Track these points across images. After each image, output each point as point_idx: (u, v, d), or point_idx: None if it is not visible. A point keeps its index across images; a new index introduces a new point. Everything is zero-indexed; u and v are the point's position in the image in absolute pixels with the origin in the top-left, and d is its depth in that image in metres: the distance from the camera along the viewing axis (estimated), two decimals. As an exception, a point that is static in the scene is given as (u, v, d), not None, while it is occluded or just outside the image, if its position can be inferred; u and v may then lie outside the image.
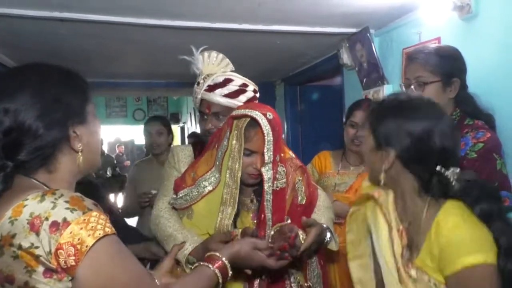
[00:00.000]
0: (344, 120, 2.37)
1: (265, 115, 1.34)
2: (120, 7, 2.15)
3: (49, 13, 2.17)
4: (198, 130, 6.76)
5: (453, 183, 1.04)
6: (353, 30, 2.69)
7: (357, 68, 2.87)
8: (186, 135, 8.37)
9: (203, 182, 1.43)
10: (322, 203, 1.53)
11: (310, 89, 4.36)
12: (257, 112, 1.35)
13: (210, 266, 1.09)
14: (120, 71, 3.89)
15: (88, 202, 0.82)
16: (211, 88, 1.55)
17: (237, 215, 1.42)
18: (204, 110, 1.58)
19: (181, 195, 1.45)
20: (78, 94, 0.93)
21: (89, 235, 0.78)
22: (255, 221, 1.43)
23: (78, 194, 0.84)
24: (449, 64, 1.53)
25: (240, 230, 1.37)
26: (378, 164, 1.10)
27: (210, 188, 1.43)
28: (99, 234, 0.79)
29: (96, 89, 4.49)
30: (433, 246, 1.03)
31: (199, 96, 1.58)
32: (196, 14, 2.29)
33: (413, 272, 1.06)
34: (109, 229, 0.81)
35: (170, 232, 1.45)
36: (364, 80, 2.80)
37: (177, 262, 1.38)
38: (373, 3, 2.19)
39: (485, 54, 1.84)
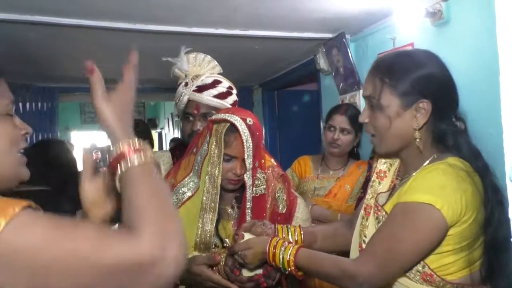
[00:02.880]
0: (322, 124, 2.38)
1: (244, 120, 1.33)
2: (93, 11, 2.11)
3: (19, 16, 2.11)
4: (177, 135, 6.68)
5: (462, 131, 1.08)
6: (329, 35, 2.72)
7: (333, 73, 2.90)
8: (163, 140, 8.26)
9: (182, 189, 1.40)
10: (300, 215, 1.50)
11: (288, 94, 4.39)
12: (236, 118, 1.33)
13: None
14: (94, 76, 3.81)
15: None
16: (200, 89, 1.54)
17: (218, 222, 1.39)
18: (192, 111, 1.56)
19: None
20: None
21: None
22: (235, 228, 1.40)
23: None
24: None
25: (223, 252, 1.32)
26: (408, 124, 1.05)
27: (189, 194, 1.39)
28: (4, 221, 0.59)
29: (70, 94, 4.39)
30: (403, 188, 1.04)
31: (186, 97, 1.55)
32: (171, 18, 2.26)
33: (381, 214, 1.11)
34: (17, 206, 0.61)
35: None
36: (341, 85, 2.82)
37: None
38: (349, 9, 2.22)
39: (457, 59, 1.88)
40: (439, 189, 0.96)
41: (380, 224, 1.10)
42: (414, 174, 1.06)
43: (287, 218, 1.46)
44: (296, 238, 1.31)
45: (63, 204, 1.94)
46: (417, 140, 1.05)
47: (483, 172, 1.04)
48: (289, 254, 1.15)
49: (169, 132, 7.73)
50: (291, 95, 4.39)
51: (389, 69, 1.07)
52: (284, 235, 1.31)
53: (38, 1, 1.95)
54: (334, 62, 2.82)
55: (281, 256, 1.16)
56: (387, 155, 1.19)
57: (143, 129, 2.94)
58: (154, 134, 9.64)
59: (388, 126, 1.06)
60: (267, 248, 1.19)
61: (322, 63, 2.97)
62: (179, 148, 1.66)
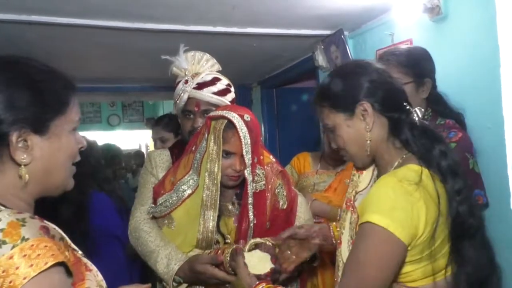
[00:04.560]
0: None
1: (242, 117, 1.35)
2: (91, 10, 2.10)
3: (16, 16, 2.10)
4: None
5: (418, 122, 1.08)
6: (328, 32, 2.71)
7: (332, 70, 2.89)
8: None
9: (182, 186, 1.41)
10: (303, 215, 1.52)
11: (287, 92, 4.38)
12: (234, 114, 1.35)
13: None
14: (92, 75, 3.80)
15: (29, 228, 0.68)
16: (201, 86, 1.55)
17: (219, 218, 1.41)
18: (192, 109, 1.57)
19: (160, 202, 1.42)
20: (42, 100, 0.79)
21: (17, 275, 0.63)
22: (236, 225, 1.42)
23: (23, 216, 0.70)
24: (420, 65, 1.56)
25: (226, 248, 1.33)
26: (360, 129, 1.09)
27: (189, 191, 1.40)
28: (31, 273, 0.64)
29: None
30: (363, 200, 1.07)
31: (186, 94, 1.56)
32: (169, 16, 2.26)
33: (354, 216, 1.14)
34: (50, 258, 0.67)
35: (152, 248, 1.42)
36: (339, 81, 2.82)
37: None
38: (347, 5, 2.22)
39: (456, 55, 1.88)
40: (390, 210, 0.96)
41: (351, 226, 1.13)
42: None
43: (288, 214, 1.47)
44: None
45: (61, 210, 1.92)
46: (368, 141, 1.09)
47: (438, 162, 1.04)
48: None
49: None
50: (290, 93, 4.38)
51: (322, 93, 1.16)
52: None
53: (35, 0, 1.94)
54: (333, 59, 2.82)
55: None
56: (367, 167, 1.21)
57: (176, 125, 2.81)
58: (153, 133, 9.61)
59: (345, 141, 1.12)
60: None
61: (320, 60, 2.96)
62: (177, 147, 1.66)
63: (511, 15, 1.66)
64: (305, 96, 4.27)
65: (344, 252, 1.14)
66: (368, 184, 1.19)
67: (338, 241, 1.19)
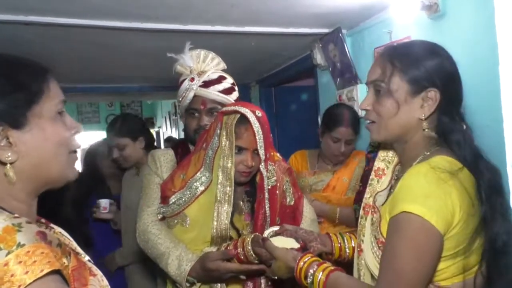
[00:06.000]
0: (320, 125, 2.35)
1: (254, 112, 1.38)
2: (89, 10, 2.09)
3: (13, 16, 2.09)
4: (173, 135, 6.65)
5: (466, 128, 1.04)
6: (326, 30, 2.71)
7: (330, 68, 2.89)
8: (161, 139, 8.25)
9: (194, 183, 1.41)
10: (309, 215, 1.53)
11: (285, 91, 4.37)
12: (246, 109, 1.37)
13: None
14: (91, 75, 3.80)
15: (25, 233, 0.65)
16: (207, 84, 1.56)
17: (232, 214, 1.40)
18: (198, 107, 1.57)
19: (173, 201, 1.41)
20: (14, 92, 0.75)
21: (12, 282, 0.61)
22: (248, 222, 1.44)
23: (19, 220, 0.67)
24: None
25: (245, 238, 1.33)
26: (413, 113, 1.02)
27: (202, 188, 1.40)
28: (26, 280, 0.62)
29: (66, 94, 4.36)
30: (394, 193, 1.01)
31: (192, 92, 1.56)
32: (168, 16, 2.25)
33: (375, 216, 1.09)
34: (46, 265, 0.64)
35: (162, 251, 1.40)
36: (338, 80, 2.82)
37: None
38: (345, 3, 2.22)
39: (454, 52, 1.87)
40: (424, 198, 0.93)
41: (373, 227, 1.08)
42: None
43: (294, 211, 1.49)
44: (353, 245, 1.30)
45: (63, 210, 1.93)
46: (426, 130, 1.02)
47: (482, 172, 1.00)
48: (321, 273, 1.09)
49: (167, 131, 7.72)
50: (289, 92, 4.38)
51: (401, 54, 1.05)
52: (340, 243, 1.32)
53: (32, 1, 1.94)
54: (331, 57, 2.82)
55: (311, 272, 1.11)
56: (384, 146, 1.16)
57: (132, 126, 2.39)
58: (152, 133, 9.60)
59: (395, 112, 1.02)
60: (296, 264, 1.15)
61: (319, 58, 2.96)
62: (181, 147, 1.66)
63: (510, 12, 1.66)
64: (304, 94, 4.27)
65: (368, 257, 1.07)
66: (389, 184, 1.14)
67: (359, 249, 1.14)
